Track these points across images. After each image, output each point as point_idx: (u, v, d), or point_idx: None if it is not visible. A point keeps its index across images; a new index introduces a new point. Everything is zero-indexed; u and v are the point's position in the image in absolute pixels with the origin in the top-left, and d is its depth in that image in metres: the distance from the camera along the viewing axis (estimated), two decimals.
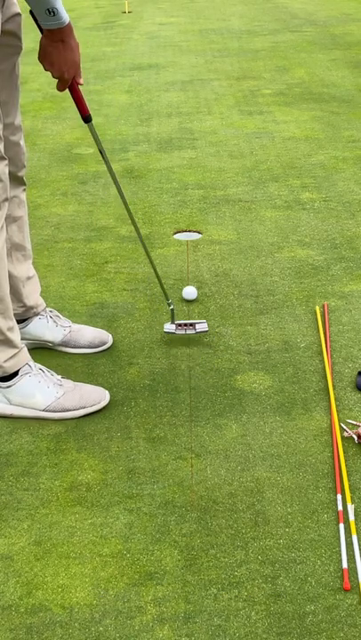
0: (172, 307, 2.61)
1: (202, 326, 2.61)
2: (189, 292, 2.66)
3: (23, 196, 2.47)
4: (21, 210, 2.47)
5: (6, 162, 2.19)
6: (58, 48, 2.03)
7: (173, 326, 2.61)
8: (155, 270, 2.57)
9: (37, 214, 3.74)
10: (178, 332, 2.59)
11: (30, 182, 4.06)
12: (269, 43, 7.36)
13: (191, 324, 2.61)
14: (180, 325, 2.61)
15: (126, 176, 4.20)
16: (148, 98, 5.70)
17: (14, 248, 2.46)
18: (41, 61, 2.08)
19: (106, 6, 9.83)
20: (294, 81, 6.01)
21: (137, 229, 2.49)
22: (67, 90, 2.18)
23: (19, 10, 2.20)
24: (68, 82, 2.13)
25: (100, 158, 4.44)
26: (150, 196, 3.94)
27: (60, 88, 2.16)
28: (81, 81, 2.17)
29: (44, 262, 3.27)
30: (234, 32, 7.93)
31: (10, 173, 2.28)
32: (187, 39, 7.70)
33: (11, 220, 2.41)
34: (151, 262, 2.57)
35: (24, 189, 2.47)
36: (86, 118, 2.25)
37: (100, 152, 2.36)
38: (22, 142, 2.38)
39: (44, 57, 2.06)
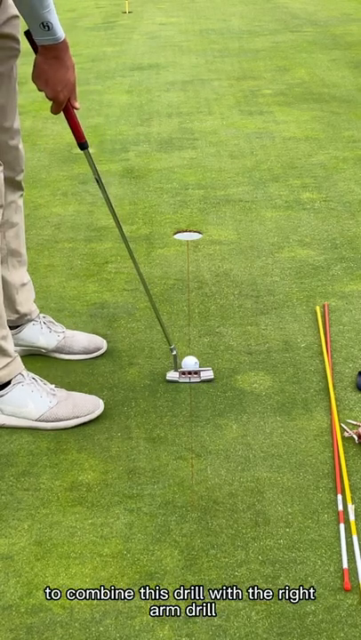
0: (174, 352, 2.47)
1: (207, 374, 2.48)
2: (189, 362, 2.51)
3: (20, 201, 2.43)
4: (18, 216, 2.43)
5: (1, 167, 2.16)
6: (53, 66, 1.97)
7: (177, 374, 2.48)
8: (156, 312, 2.47)
9: (38, 214, 3.74)
10: (182, 380, 2.47)
11: (30, 182, 4.06)
12: (270, 43, 7.36)
13: (196, 372, 2.48)
14: (183, 373, 2.47)
15: (127, 176, 4.20)
16: (149, 98, 5.70)
17: (10, 254, 2.43)
18: (34, 80, 2.02)
19: (106, 6, 9.83)
20: (295, 81, 6.01)
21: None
22: (61, 113, 2.11)
23: (17, 12, 2.14)
24: (63, 103, 2.07)
25: (101, 158, 4.47)
26: (151, 196, 3.93)
27: (55, 110, 2.10)
28: (77, 104, 2.11)
29: (45, 262, 3.27)
30: (234, 32, 7.93)
31: (7, 178, 2.26)
32: (187, 39, 7.70)
33: (8, 225, 2.38)
34: (151, 302, 2.47)
35: (21, 195, 2.43)
36: (82, 145, 2.17)
37: (97, 180, 2.27)
38: (21, 146, 2.35)
39: (38, 75, 2.01)
